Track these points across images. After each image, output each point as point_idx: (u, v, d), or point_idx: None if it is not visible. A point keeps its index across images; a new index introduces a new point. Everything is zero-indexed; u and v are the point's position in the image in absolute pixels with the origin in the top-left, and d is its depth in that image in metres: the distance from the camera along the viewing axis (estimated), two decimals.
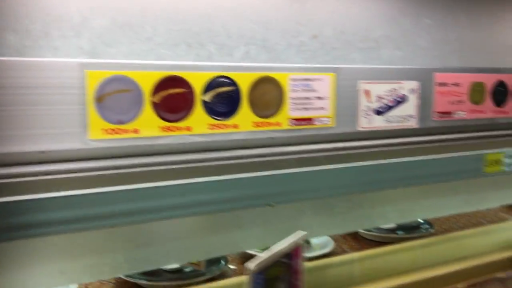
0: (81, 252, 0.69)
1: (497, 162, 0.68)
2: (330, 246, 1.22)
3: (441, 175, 0.68)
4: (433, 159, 0.68)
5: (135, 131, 0.71)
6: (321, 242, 1.22)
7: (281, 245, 0.68)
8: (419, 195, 1.17)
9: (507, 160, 0.69)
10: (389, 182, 0.65)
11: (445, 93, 0.99)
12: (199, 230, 0.80)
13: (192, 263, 1.10)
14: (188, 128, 0.74)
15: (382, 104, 0.92)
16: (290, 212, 1.01)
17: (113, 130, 0.69)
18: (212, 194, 0.69)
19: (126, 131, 0.70)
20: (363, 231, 1.31)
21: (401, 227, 1.35)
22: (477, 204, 1.29)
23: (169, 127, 0.73)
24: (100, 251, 0.70)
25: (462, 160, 0.72)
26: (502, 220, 1.58)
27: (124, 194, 0.63)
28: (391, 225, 1.32)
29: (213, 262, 1.14)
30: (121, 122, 0.69)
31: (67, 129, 0.65)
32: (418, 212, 1.17)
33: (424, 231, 1.36)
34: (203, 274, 1.08)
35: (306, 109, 0.84)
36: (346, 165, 0.73)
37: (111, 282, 1.07)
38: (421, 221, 1.41)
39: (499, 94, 1.06)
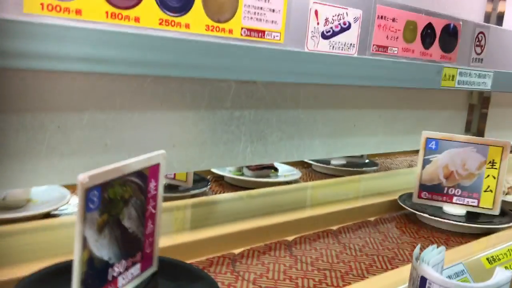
0: None
1: (452, 77, 0.71)
2: (298, 175, 1.40)
3: (403, 80, 0.69)
4: (396, 62, 0.68)
5: (78, 12, 0.61)
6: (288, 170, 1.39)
7: (131, 161, 0.54)
8: (344, 133, 1.21)
9: (459, 78, 0.72)
10: (350, 78, 0.64)
11: (384, 26, 1.01)
12: None
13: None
14: (136, 19, 0.66)
15: (328, 28, 0.91)
16: (228, 136, 0.98)
17: (52, 6, 0.59)
18: None
19: (67, 9, 0.60)
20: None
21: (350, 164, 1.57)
22: (394, 146, 1.36)
23: (116, 13, 0.64)
24: None
25: (425, 69, 0.74)
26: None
27: None
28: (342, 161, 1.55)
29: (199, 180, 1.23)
30: None
31: None
32: (343, 148, 1.20)
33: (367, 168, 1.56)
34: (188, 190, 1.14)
35: (259, 20, 0.80)
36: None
37: None
38: (367, 160, 1.60)
39: (428, 36, 1.10)
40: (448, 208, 1.11)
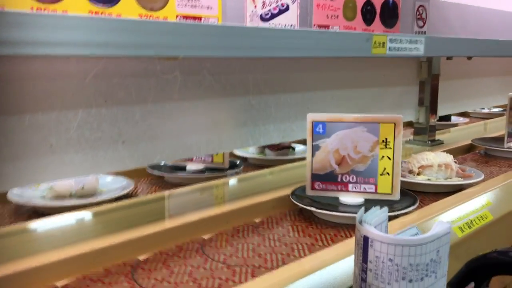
0: None
1: (382, 44, 0.73)
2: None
3: (332, 49, 0.70)
4: (324, 32, 0.69)
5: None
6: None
7: None
8: (299, 116, 1.22)
9: (389, 44, 0.74)
10: (278, 50, 0.65)
11: (322, 6, 1.02)
12: None
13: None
14: (64, 12, 0.66)
15: (266, 11, 0.92)
16: (179, 127, 0.98)
17: None
18: None
19: None
20: None
21: None
22: None
23: (42, 8, 0.64)
24: None
25: (353, 37, 0.75)
26: None
27: None
28: None
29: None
30: None
31: None
32: (299, 132, 1.22)
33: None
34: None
35: (193, 6, 0.80)
36: None
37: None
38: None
39: (368, 13, 1.13)
40: (344, 198, 0.96)
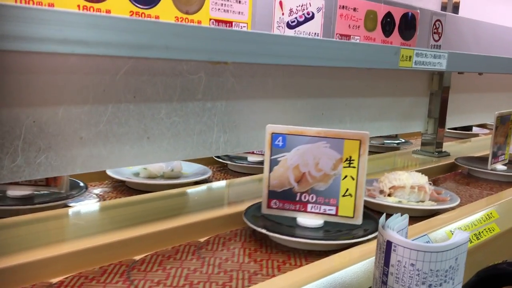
0: None
1: (409, 58, 0.76)
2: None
3: (363, 61, 0.73)
4: (357, 44, 0.72)
5: (50, 5, 0.63)
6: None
7: None
8: (313, 121, 1.25)
9: (416, 58, 0.77)
10: (313, 59, 0.68)
11: (345, 16, 1.05)
12: None
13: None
14: (108, 12, 0.69)
15: (293, 18, 0.95)
16: (201, 126, 1.01)
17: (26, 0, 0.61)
18: None
19: (40, 3, 0.62)
20: None
21: None
22: None
23: (88, 6, 0.66)
24: None
25: (383, 50, 0.78)
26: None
27: None
28: None
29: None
30: None
31: None
32: None
33: None
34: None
35: (226, 11, 0.83)
36: None
37: None
38: None
39: (387, 25, 1.16)
40: (302, 219, 0.87)
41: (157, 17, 0.74)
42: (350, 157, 0.82)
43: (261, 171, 1.25)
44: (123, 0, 0.70)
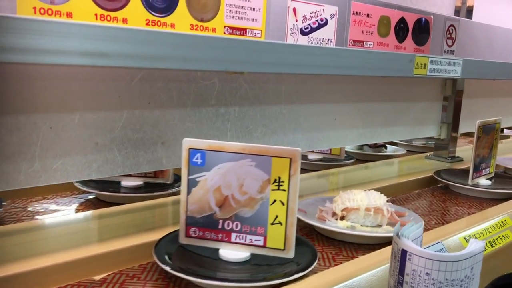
0: None
1: (424, 66, 0.76)
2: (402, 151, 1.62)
3: (378, 69, 0.73)
4: (371, 52, 0.72)
5: (68, 14, 0.64)
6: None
7: None
8: (326, 126, 1.25)
9: (430, 66, 0.77)
10: (328, 68, 0.68)
11: (359, 22, 1.05)
12: None
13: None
14: (124, 20, 0.69)
15: (306, 25, 0.96)
16: (214, 132, 1.01)
17: (44, 10, 0.62)
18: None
19: (58, 12, 0.63)
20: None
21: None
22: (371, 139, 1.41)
23: (105, 15, 0.67)
24: None
25: (398, 58, 0.78)
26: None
27: None
28: None
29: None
30: (53, 2, 0.62)
31: None
32: (325, 141, 1.25)
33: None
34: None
35: (240, 18, 0.83)
36: None
37: None
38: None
39: (401, 30, 1.16)
40: (225, 251, 0.73)
41: (172, 25, 0.75)
42: (279, 178, 0.69)
43: (322, 168, 1.46)
44: (139, 9, 0.70)
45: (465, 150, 1.88)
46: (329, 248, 0.86)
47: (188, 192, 0.72)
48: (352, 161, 1.58)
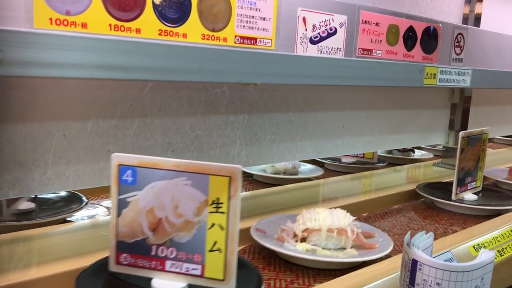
0: None
1: (434, 76, 0.76)
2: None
3: (387, 79, 0.74)
4: (381, 63, 0.73)
5: (84, 25, 0.65)
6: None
7: None
8: (334, 134, 1.26)
9: (440, 76, 0.77)
10: (339, 79, 0.69)
11: (367, 31, 1.06)
12: None
13: None
14: (137, 30, 0.71)
15: (316, 34, 0.96)
16: (224, 139, 1.02)
17: (60, 21, 0.63)
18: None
19: (74, 23, 0.64)
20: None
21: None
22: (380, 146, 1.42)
23: (119, 26, 0.68)
24: None
25: (408, 68, 0.79)
26: None
27: None
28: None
29: None
30: (68, 13, 0.63)
31: (11, 12, 0.58)
32: (333, 149, 1.25)
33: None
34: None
35: (251, 28, 0.84)
36: None
37: None
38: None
39: (409, 39, 1.16)
40: (159, 282, 0.65)
41: (184, 35, 0.76)
42: (218, 199, 0.62)
43: (355, 170, 1.54)
44: (152, 19, 0.72)
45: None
46: (285, 275, 0.78)
47: (118, 214, 0.64)
48: (384, 164, 1.67)
